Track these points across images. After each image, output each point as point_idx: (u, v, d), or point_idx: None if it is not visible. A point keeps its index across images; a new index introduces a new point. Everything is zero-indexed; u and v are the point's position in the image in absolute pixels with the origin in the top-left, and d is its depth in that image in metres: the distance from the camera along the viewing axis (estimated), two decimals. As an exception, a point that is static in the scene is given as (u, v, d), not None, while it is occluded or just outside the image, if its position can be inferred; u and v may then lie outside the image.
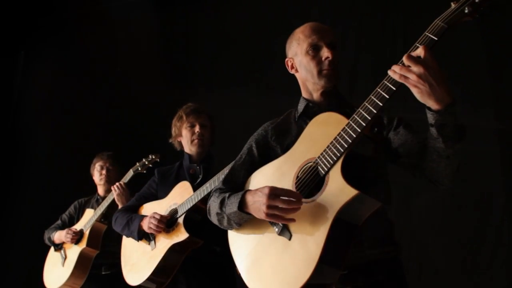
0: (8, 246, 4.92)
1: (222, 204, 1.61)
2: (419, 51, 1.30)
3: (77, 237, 3.29)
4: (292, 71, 1.78)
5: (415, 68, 1.28)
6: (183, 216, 2.40)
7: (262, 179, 1.63)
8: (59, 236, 3.39)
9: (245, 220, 1.58)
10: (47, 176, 4.89)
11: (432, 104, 1.33)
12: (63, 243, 3.43)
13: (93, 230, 3.28)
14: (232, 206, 1.56)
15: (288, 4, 4.16)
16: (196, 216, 2.41)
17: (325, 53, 1.63)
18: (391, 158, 1.62)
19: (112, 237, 3.04)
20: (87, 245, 3.23)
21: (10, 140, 5.26)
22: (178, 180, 2.57)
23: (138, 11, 4.92)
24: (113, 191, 3.11)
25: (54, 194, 4.58)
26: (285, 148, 1.66)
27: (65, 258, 3.36)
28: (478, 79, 3.32)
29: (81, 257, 3.24)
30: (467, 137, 1.41)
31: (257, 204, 1.46)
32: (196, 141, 2.59)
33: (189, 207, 2.38)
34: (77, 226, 3.39)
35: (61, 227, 3.49)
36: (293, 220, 1.42)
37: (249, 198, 1.51)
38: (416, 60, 1.29)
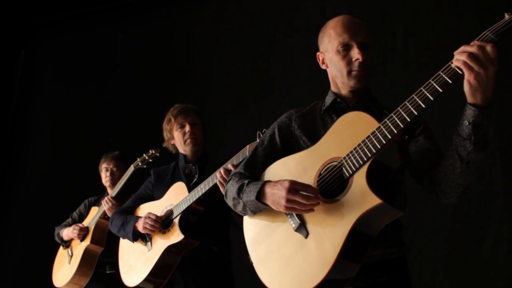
0: (15, 245, 4.91)
1: (240, 190, 1.61)
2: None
3: (83, 233, 3.31)
4: (323, 66, 1.72)
5: (488, 66, 1.24)
6: (178, 217, 2.40)
7: (282, 170, 1.60)
8: (67, 232, 3.41)
9: (261, 209, 1.59)
10: (47, 176, 4.88)
11: (478, 100, 1.28)
12: (71, 240, 3.45)
13: (97, 227, 3.29)
14: (250, 194, 1.56)
15: (288, 5, 4.16)
16: (191, 217, 2.41)
17: (356, 54, 1.57)
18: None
19: (117, 236, 3.05)
20: (92, 241, 3.24)
21: (11, 140, 5.25)
22: (174, 180, 2.57)
23: (137, 12, 4.92)
24: (103, 204, 3.16)
25: (59, 193, 4.57)
26: (307, 140, 1.64)
27: (71, 255, 3.38)
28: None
29: (86, 254, 3.25)
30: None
31: (275, 197, 1.46)
32: (188, 140, 2.56)
33: (184, 208, 2.38)
34: (84, 224, 3.41)
35: (71, 225, 3.49)
36: (312, 210, 1.41)
37: (268, 189, 1.51)
38: (492, 59, 1.24)
